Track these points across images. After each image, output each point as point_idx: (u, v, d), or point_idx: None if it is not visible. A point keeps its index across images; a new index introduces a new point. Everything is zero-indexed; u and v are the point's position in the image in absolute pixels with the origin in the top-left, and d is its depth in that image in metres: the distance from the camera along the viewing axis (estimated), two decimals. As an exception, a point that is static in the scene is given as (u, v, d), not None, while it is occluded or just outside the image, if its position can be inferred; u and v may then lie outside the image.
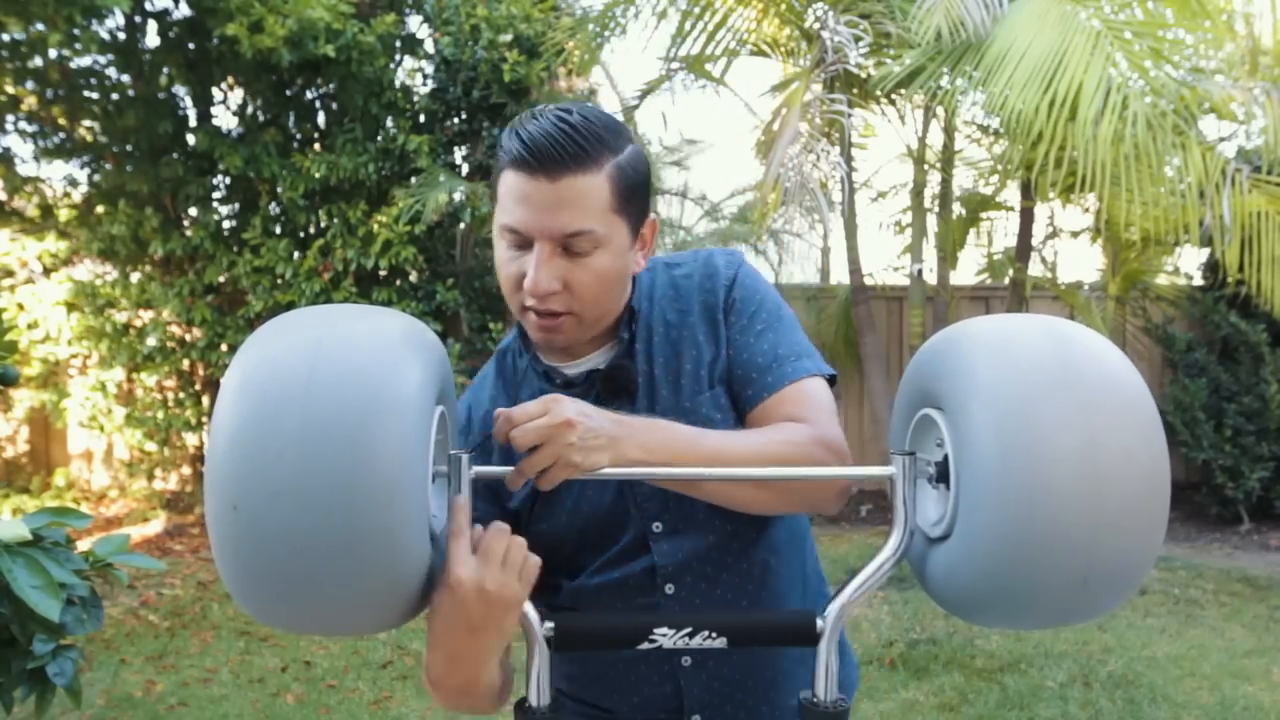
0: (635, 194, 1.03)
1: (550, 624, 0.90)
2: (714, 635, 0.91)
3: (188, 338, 6.31)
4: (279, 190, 6.01)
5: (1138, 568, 0.82)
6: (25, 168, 6.25)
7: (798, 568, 1.19)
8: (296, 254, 6.02)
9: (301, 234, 6.18)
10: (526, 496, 1.10)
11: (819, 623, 0.92)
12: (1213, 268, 6.21)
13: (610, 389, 1.08)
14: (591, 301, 1.03)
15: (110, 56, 5.92)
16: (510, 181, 0.99)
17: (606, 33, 5.87)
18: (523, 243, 1.00)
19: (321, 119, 6.39)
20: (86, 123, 6.18)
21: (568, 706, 1.18)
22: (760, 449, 1.01)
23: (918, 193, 5.91)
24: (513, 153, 0.98)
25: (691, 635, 0.91)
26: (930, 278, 6.06)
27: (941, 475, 0.89)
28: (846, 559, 5.31)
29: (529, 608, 0.89)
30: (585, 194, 0.98)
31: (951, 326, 0.93)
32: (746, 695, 1.14)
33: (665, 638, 0.90)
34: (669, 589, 1.10)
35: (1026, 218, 5.89)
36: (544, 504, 1.10)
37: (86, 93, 6.03)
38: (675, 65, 6.00)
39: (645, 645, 0.91)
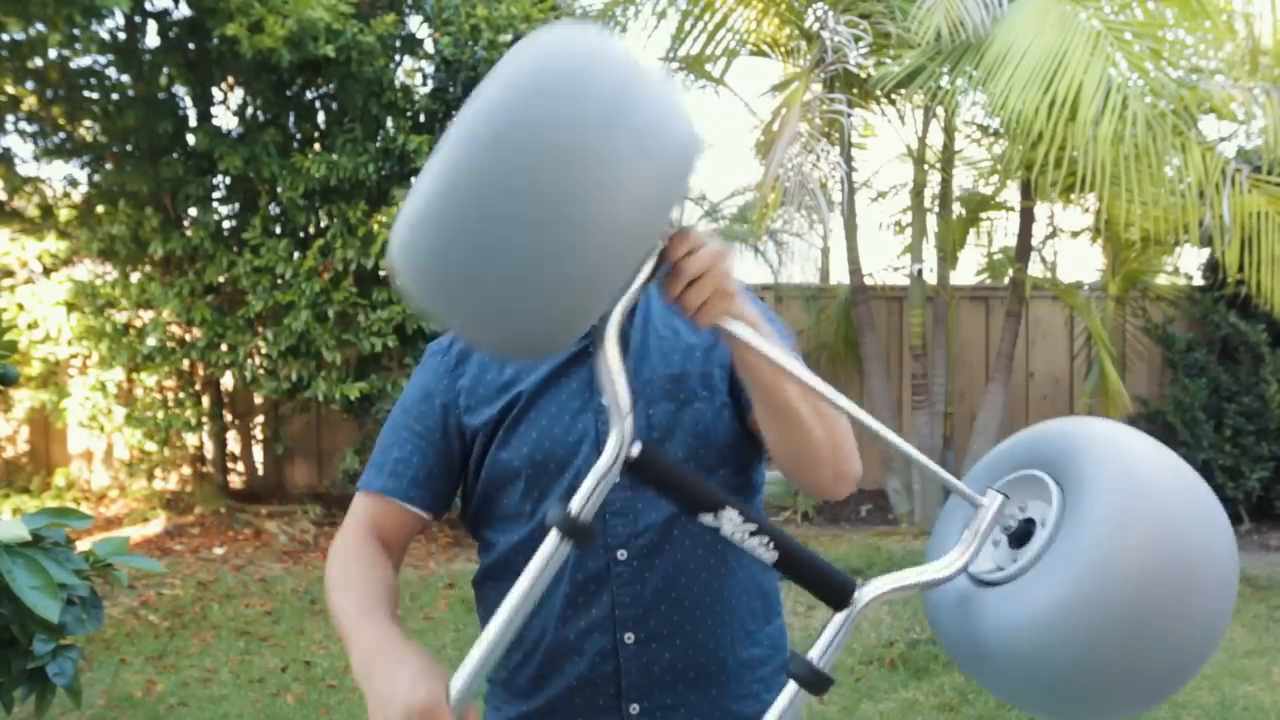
0: None
1: (638, 445, 0.86)
2: (771, 545, 0.89)
3: (188, 338, 6.31)
4: (279, 190, 6.01)
5: (1171, 685, 0.91)
6: (25, 168, 6.26)
7: (745, 578, 1.19)
8: (296, 254, 6.02)
9: (301, 234, 6.18)
10: (491, 420, 1.13)
11: (855, 595, 0.90)
12: (1213, 268, 6.20)
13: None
14: None
15: (110, 56, 5.92)
16: None
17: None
18: None
19: (321, 119, 6.38)
20: (86, 123, 6.18)
21: None
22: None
23: (918, 193, 5.92)
24: None
25: (753, 534, 0.88)
26: (930, 278, 6.06)
27: (1018, 536, 0.94)
28: (846, 559, 5.31)
29: (628, 423, 0.85)
30: None
31: (1089, 419, 1.01)
32: (688, 689, 1.14)
33: (731, 522, 0.88)
34: (621, 555, 1.11)
35: (1026, 218, 5.89)
36: (509, 430, 1.13)
37: (86, 93, 6.03)
38: (675, 65, 6.00)
39: (710, 519, 0.88)
